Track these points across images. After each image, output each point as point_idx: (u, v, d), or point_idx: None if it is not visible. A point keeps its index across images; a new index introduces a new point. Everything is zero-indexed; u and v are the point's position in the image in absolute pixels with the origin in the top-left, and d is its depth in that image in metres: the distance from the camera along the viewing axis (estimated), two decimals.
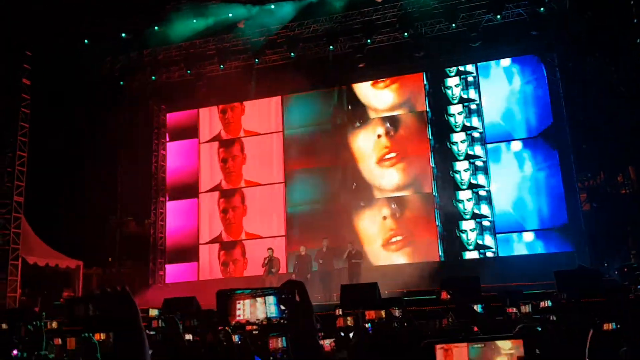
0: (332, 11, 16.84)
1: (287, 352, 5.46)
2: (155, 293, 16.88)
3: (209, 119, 19.51)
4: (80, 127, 17.91)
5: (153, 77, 18.66)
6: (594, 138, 15.27)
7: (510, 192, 16.26)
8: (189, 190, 19.29)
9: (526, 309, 8.51)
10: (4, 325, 10.39)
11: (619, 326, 6.18)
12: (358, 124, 17.81)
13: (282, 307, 1.87)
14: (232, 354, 6.48)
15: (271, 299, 1.93)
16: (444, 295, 10.77)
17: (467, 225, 16.36)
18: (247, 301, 1.96)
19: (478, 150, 16.65)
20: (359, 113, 17.90)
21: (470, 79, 17.07)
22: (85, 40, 17.60)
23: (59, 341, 8.61)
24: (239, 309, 1.97)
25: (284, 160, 18.36)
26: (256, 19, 17.16)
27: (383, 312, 9.51)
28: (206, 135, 19.44)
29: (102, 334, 9.05)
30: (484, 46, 16.18)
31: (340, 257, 15.38)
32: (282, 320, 1.90)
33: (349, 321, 9.37)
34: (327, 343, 6.99)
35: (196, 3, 17.21)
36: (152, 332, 9.18)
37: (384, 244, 16.82)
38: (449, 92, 17.15)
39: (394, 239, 16.86)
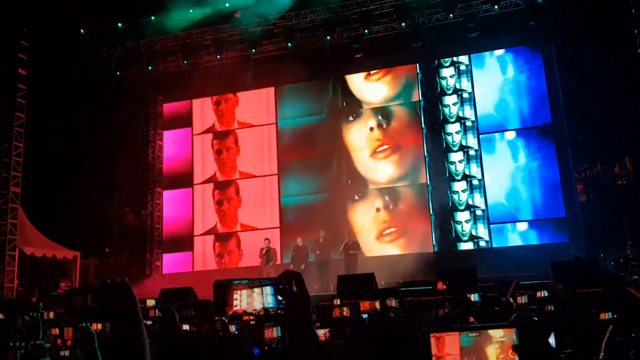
0: (330, 1, 16.78)
1: (282, 341, 5.47)
2: (152, 283, 16.89)
3: (204, 110, 19.46)
4: (77, 119, 17.85)
5: (150, 68, 18.58)
6: (591, 129, 15.27)
7: (504, 182, 16.25)
8: (183, 180, 19.28)
9: (522, 299, 8.54)
10: (1, 316, 10.42)
11: (615, 316, 6.21)
12: (352, 118, 17.79)
13: (280, 298, 1.87)
14: (229, 344, 6.49)
15: (268, 290, 1.93)
16: (440, 285, 10.81)
17: (462, 216, 16.38)
18: (245, 291, 1.96)
19: (472, 140, 16.63)
20: (352, 107, 17.87)
21: (464, 68, 17.02)
22: (82, 30, 17.51)
23: (56, 331, 8.64)
24: (236, 299, 1.98)
25: (277, 152, 18.34)
26: (253, 8, 17.06)
27: (377, 303, 9.55)
28: (201, 127, 19.40)
29: (99, 324, 9.07)
30: (482, 37, 16.13)
31: (337, 248, 15.40)
32: (279, 311, 1.90)
33: (345, 311, 9.41)
34: (321, 333, 7.01)
35: None
36: (149, 322, 9.21)
37: (377, 236, 16.84)
38: (443, 82, 17.12)
39: (387, 231, 16.88)
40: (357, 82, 18.00)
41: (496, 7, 15.66)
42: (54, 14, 15.88)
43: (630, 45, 14.06)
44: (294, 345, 1.83)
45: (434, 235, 16.52)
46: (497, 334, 2.71)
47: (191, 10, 17.38)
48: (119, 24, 17.78)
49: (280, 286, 1.84)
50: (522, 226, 16.04)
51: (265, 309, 1.92)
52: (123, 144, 19.35)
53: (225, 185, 18.75)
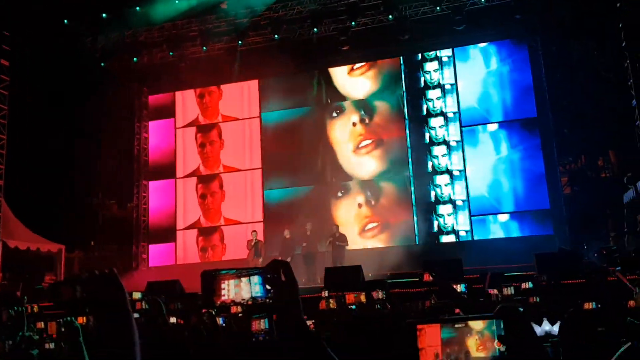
0: None
1: (269, 333, 5.48)
2: (138, 276, 16.85)
3: (188, 103, 19.39)
4: (61, 110, 17.68)
5: (135, 59, 18.42)
6: (576, 123, 15.40)
7: (486, 174, 16.36)
8: (166, 172, 19.22)
9: (508, 291, 8.59)
10: None
11: (599, 306, 6.29)
12: (335, 114, 17.78)
13: (268, 287, 1.87)
14: (217, 336, 6.50)
15: (256, 279, 1.93)
16: (427, 277, 10.86)
17: (444, 209, 16.48)
18: (232, 281, 1.97)
19: (455, 133, 16.70)
20: (336, 102, 17.88)
21: (448, 61, 17.09)
22: (65, 21, 17.30)
23: (40, 325, 8.59)
24: (224, 289, 1.98)
25: (261, 146, 18.30)
26: None
27: (363, 295, 9.59)
28: (184, 119, 19.33)
29: (84, 318, 9.02)
30: (468, 30, 16.14)
31: (324, 240, 15.43)
32: (267, 300, 1.90)
33: (332, 303, 9.44)
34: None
35: None
36: (136, 315, 9.18)
37: (359, 231, 16.86)
38: (427, 76, 17.18)
39: (369, 226, 16.96)
40: (341, 77, 17.99)
41: (483, 0, 15.69)
42: (37, 4, 15.68)
43: (616, 40, 14.18)
44: (283, 335, 1.84)
45: (416, 228, 16.59)
46: (477, 325, 2.73)
47: (177, 1, 17.21)
48: (103, 14, 17.57)
49: (269, 275, 1.84)
50: (504, 218, 16.16)
51: (253, 298, 1.92)
52: (107, 136, 19.21)
53: (209, 179, 18.69)
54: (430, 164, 16.77)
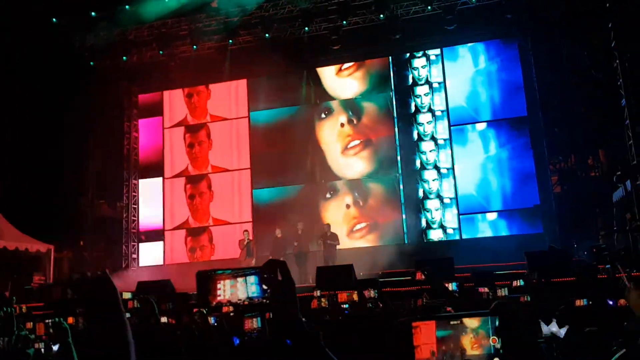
0: None
1: (262, 331, 5.46)
2: (127, 276, 16.79)
3: (177, 102, 19.31)
4: (49, 109, 17.55)
5: (124, 58, 18.31)
6: (566, 122, 15.47)
7: (475, 173, 16.40)
8: (155, 171, 19.15)
9: (502, 292, 8.60)
10: None
11: (590, 303, 6.33)
12: (324, 115, 17.78)
13: (265, 287, 1.85)
14: (209, 335, 6.46)
15: (252, 279, 1.91)
16: (419, 275, 10.90)
17: (432, 204, 16.51)
18: (228, 281, 1.95)
19: (444, 131, 16.74)
20: (324, 103, 17.85)
21: (435, 59, 17.13)
22: (54, 19, 17.18)
23: (30, 325, 8.53)
24: (220, 289, 1.96)
25: (250, 146, 18.26)
26: None
27: (355, 294, 9.60)
28: (173, 119, 19.25)
29: (73, 318, 8.97)
30: (458, 29, 16.16)
31: (315, 240, 15.42)
32: (264, 300, 1.88)
33: (323, 302, 9.44)
34: None
35: None
36: (127, 315, 9.12)
37: (348, 232, 16.83)
38: (415, 73, 17.22)
39: (357, 227, 16.96)
40: (329, 78, 17.98)
41: None
42: (26, 2, 15.56)
43: (605, 40, 14.27)
44: (279, 335, 1.82)
45: (405, 227, 16.61)
46: (472, 323, 2.73)
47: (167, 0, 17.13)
48: (93, 13, 17.45)
49: (265, 275, 1.83)
50: (493, 216, 16.21)
51: (249, 298, 1.90)
52: (97, 135, 19.09)
53: (198, 179, 18.64)
54: (418, 161, 16.79)
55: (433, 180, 16.58)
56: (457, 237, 16.24)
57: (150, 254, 18.62)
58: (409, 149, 16.88)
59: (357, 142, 17.38)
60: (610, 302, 7.15)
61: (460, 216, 16.28)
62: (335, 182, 17.36)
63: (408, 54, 17.35)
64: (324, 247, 15.05)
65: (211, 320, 7.30)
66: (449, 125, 16.69)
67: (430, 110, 16.90)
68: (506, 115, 16.40)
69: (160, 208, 18.85)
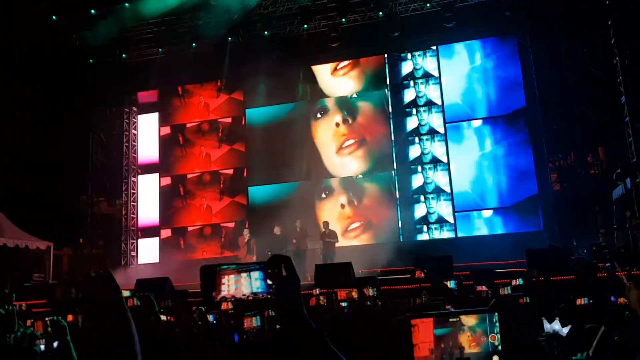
0: None
1: (261, 330, 5.46)
2: (125, 274, 16.80)
3: (175, 100, 19.33)
4: (49, 107, 17.54)
5: (124, 56, 18.29)
6: (565, 119, 15.45)
7: (471, 170, 16.37)
8: (152, 169, 19.18)
9: (505, 290, 8.57)
10: None
11: (591, 301, 6.32)
12: (319, 115, 17.77)
13: (269, 282, 1.85)
14: (208, 333, 6.45)
15: (257, 274, 1.90)
16: (418, 274, 10.89)
17: (429, 196, 16.48)
18: (233, 276, 1.94)
19: (439, 126, 16.71)
20: (320, 102, 17.84)
21: (434, 57, 17.10)
22: (54, 17, 17.15)
23: (29, 323, 8.52)
24: (224, 284, 1.95)
25: (245, 145, 18.27)
26: None
27: (355, 292, 9.58)
28: (171, 117, 19.27)
29: (72, 316, 8.96)
30: (457, 27, 16.12)
31: (314, 237, 15.42)
32: (268, 296, 1.88)
33: (322, 300, 9.42)
34: None
35: None
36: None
37: (342, 232, 16.75)
38: (411, 63, 17.20)
39: (352, 226, 16.94)
40: (325, 77, 17.95)
41: None
42: (25, 1, 15.53)
43: (605, 37, 14.24)
44: (283, 330, 1.82)
45: (400, 225, 16.58)
46: (470, 321, 2.72)
47: None
48: (92, 11, 17.42)
49: (270, 270, 1.82)
50: (491, 214, 16.17)
51: (254, 294, 1.90)
52: (96, 133, 19.06)
53: (193, 178, 18.64)
54: (411, 154, 16.77)
55: (429, 168, 16.58)
56: (453, 235, 16.20)
57: (148, 251, 18.62)
58: (404, 145, 16.87)
59: (351, 141, 17.38)
60: (613, 299, 7.13)
61: (457, 213, 16.25)
62: (331, 182, 17.33)
63: (406, 52, 17.31)
64: (323, 246, 15.04)
65: (210, 318, 7.30)
66: (444, 122, 16.68)
67: (427, 104, 16.88)
68: (503, 112, 16.36)
69: (157, 205, 18.86)
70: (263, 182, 17.85)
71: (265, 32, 17.12)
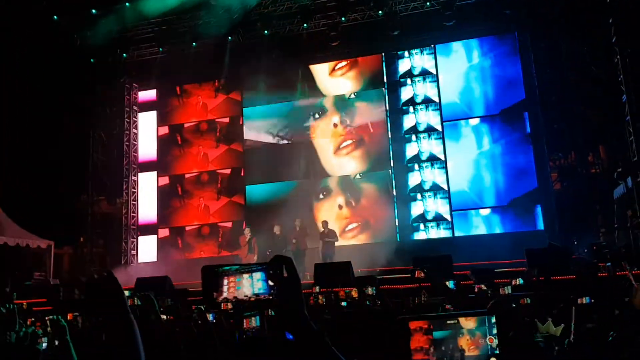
0: None
1: (261, 330, 5.46)
2: (125, 272, 16.81)
3: (174, 99, 19.34)
4: (50, 107, 17.55)
5: (124, 55, 18.29)
6: (566, 118, 15.43)
7: (469, 168, 16.35)
8: (151, 169, 19.20)
9: (504, 290, 8.55)
10: None
11: (592, 300, 6.30)
12: (317, 116, 17.76)
13: (271, 283, 1.86)
14: (208, 332, 6.46)
15: (258, 275, 1.91)
16: (418, 273, 10.89)
17: (427, 194, 16.47)
18: (234, 277, 1.94)
19: (438, 125, 16.70)
20: (318, 102, 17.83)
21: (432, 55, 17.09)
22: (55, 17, 17.15)
23: (30, 322, 8.54)
24: (226, 285, 1.96)
25: (243, 146, 18.27)
26: None
27: (355, 291, 9.57)
28: (171, 116, 19.29)
29: (72, 315, 8.96)
30: (457, 25, 16.08)
31: (313, 237, 15.42)
32: (270, 297, 1.88)
33: (320, 299, 9.41)
34: None
35: None
36: None
37: (340, 232, 16.69)
38: (408, 66, 17.20)
39: (349, 227, 16.94)
40: (323, 77, 17.94)
41: None
42: (26, 0, 15.53)
43: (606, 35, 14.21)
44: (284, 331, 1.82)
45: (397, 224, 16.57)
46: (469, 324, 2.72)
47: None
48: (93, 10, 17.43)
49: (271, 271, 1.83)
50: (489, 213, 16.14)
51: (256, 295, 1.90)
52: (96, 132, 19.07)
53: (192, 178, 18.66)
54: (408, 153, 16.76)
55: (426, 167, 16.57)
56: (450, 233, 16.18)
57: (145, 250, 18.65)
58: (401, 143, 16.87)
59: (349, 142, 17.39)
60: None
61: (456, 212, 16.23)
62: (328, 183, 17.31)
63: (404, 51, 17.31)
64: (322, 245, 15.03)
65: (209, 317, 7.30)
66: (442, 121, 16.66)
67: (425, 102, 16.89)
68: (506, 112, 16.33)
69: (155, 203, 18.89)
70: (261, 180, 17.85)
71: (265, 32, 17.11)
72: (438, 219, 16.35)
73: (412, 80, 17.13)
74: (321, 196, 17.31)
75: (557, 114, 15.57)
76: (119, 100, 19.37)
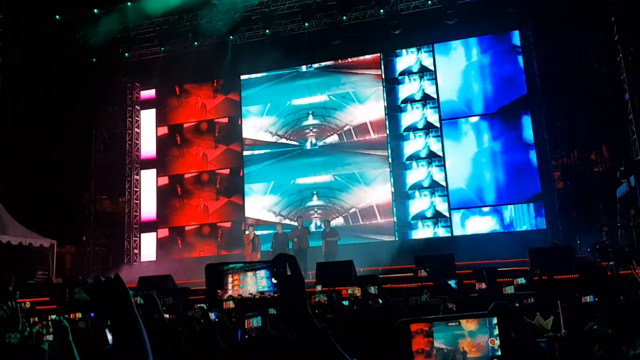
0: None
1: (263, 329, 5.46)
2: (127, 271, 16.85)
3: (175, 99, 19.37)
4: (52, 106, 17.57)
5: (126, 54, 18.31)
6: (568, 116, 15.39)
7: (468, 166, 16.33)
8: (152, 165, 19.25)
9: (506, 290, 8.53)
10: None
11: (596, 299, 6.29)
12: (316, 115, 17.73)
13: (274, 281, 1.86)
14: (211, 331, 6.46)
15: (262, 273, 1.91)
16: (421, 273, 10.88)
17: (425, 192, 16.48)
18: (238, 275, 1.94)
19: (437, 123, 16.70)
20: (317, 101, 17.79)
21: (431, 52, 17.10)
22: (57, 16, 17.18)
23: (34, 320, 8.56)
24: (230, 283, 1.96)
25: (241, 147, 18.28)
26: None
27: (358, 290, 9.56)
28: (171, 115, 19.32)
29: (77, 314, 8.97)
30: (459, 23, 16.03)
31: (315, 236, 15.45)
32: (275, 295, 1.89)
33: (321, 299, 9.40)
34: None
35: None
36: None
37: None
38: (407, 61, 17.21)
39: (348, 226, 16.91)
40: (322, 76, 17.90)
41: None
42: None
43: (609, 33, 14.17)
44: (288, 330, 1.82)
45: (394, 219, 16.56)
46: (470, 325, 2.71)
47: None
48: (95, 10, 17.46)
49: (274, 269, 1.83)
50: (491, 211, 16.11)
51: (261, 293, 1.90)
52: (98, 131, 19.09)
53: (191, 177, 18.67)
54: (407, 151, 16.76)
55: (422, 166, 16.56)
56: (448, 231, 16.16)
57: (146, 249, 18.68)
58: (400, 141, 16.87)
59: (348, 140, 17.36)
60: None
61: (460, 209, 16.21)
62: (328, 182, 17.29)
63: (404, 49, 17.30)
64: (324, 245, 15.03)
65: (212, 315, 7.29)
66: (440, 119, 16.65)
67: (424, 98, 16.88)
68: (509, 109, 16.30)
69: (154, 200, 18.94)
70: (261, 180, 17.86)
71: (267, 31, 17.11)
72: (436, 216, 16.33)
73: (409, 78, 17.11)
74: (321, 195, 17.28)
75: (560, 112, 15.53)
76: (121, 99, 19.40)
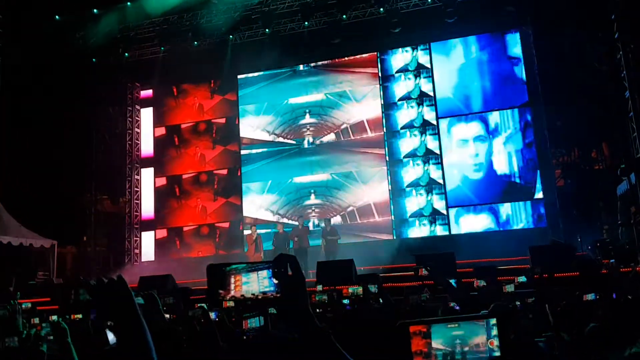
0: None
1: (262, 329, 5.46)
2: (127, 271, 16.87)
3: (171, 100, 19.39)
4: (52, 106, 17.56)
5: (126, 54, 18.30)
6: (568, 114, 15.37)
7: (467, 164, 16.34)
8: (150, 165, 19.27)
9: (506, 288, 8.53)
10: None
11: (598, 297, 6.29)
12: (314, 114, 17.73)
13: (276, 281, 1.87)
14: (211, 330, 6.46)
15: (264, 273, 1.91)
16: (421, 271, 10.88)
17: (422, 190, 16.47)
18: (240, 276, 1.95)
19: (437, 122, 16.69)
20: (316, 100, 17.80)
21: (428, 51, 17.10)
22: (57, 16, 17.17)
23: (34, 320, 8.56)
24: (232, 284, 1.96)
25: (239, 146, 18.29)
26: None
27: (360, 289, 9.55)
28: (170, 115, 19.32)
29: (79, 315, 8.97)
30: (458, 21, 16.01)
31: (315, 235, 15.45)
32: (277, 294, 1.89)
33: (323, 298, 9.39)
34: None
35: None
36: None
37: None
38: (404, 63, 17.22)
39: (347, 225, 16.91)
40: (322, 75, 17.93)
41: None
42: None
43: (609, 31, 14.15)
44: (289, 330, 1.82)
45: (392, 217, 16.57)
46: (469, 326, 2.71)
47: None
48: (95, 10, 17.45)
49: (276, 270, 1.83)
50: (491, 210, 16.10)
51: (263, 293, 1.91)
52: (99, 131, 19.09)
53: (189, 178, 18.67)
54: (403, 148, 16.77)
55: (417, 165, 16.58)
56: (446, 229, 16.16)
57: (144, 248, 18.68)
58: (396, 138, 16.87)
59: (346, 138, 17.36)
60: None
61: (456, 208, 16.20)
62: (326, 181, 17.29)
63: (402, 47, 17.30)
64: (325, 244, 15.03)
65: (212, 315, 7.30)
66: (437, 117, 16.65)
67: (421, 94, 16.89)
68: (501, 107, 16.31)
69: (152, 199, 18.97)
70: (259, 180, 17.86)
71: (267, 30, 17.10)
72: (434, 214, 16.33)
73: (405, 76, 17.12)
74: (318, 194, 17.27)
75: (560, 110, 15.51)
76: (121, 99, 19.40)
